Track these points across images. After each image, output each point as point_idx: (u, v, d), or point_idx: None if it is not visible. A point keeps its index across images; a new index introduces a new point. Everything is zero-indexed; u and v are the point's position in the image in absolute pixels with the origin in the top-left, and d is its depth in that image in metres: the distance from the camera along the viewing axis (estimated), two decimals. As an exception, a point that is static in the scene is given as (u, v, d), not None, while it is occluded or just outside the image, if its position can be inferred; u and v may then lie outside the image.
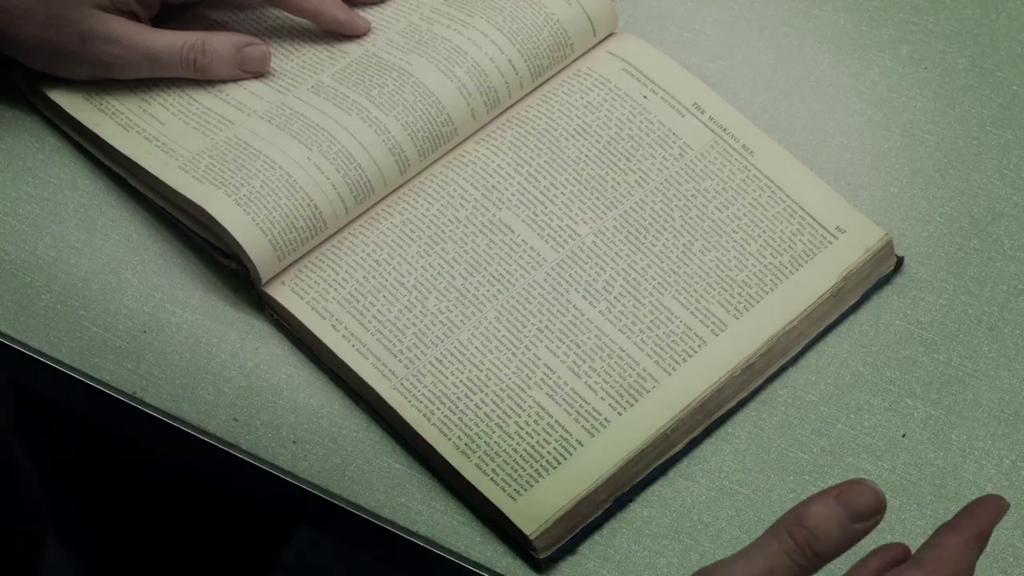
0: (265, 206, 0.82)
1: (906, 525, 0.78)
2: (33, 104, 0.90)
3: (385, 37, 0.89)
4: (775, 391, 0.82)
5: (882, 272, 0.85)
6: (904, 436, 0.81)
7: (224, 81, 0.89)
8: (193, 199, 0.83)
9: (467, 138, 0.87)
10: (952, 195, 0.88)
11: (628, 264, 0.83)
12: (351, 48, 0.89)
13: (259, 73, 0.89)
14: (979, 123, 0.90)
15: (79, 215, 0.87)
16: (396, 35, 0.89)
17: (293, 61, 0.89)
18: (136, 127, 0.87)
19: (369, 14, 0.90)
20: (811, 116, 0.90)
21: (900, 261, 0.85)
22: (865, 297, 0.84)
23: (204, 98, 0.88)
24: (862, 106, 0.91)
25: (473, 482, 0.78)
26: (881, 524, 0.78)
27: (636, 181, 0.86)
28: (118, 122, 0.87)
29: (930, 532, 0.77)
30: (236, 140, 0.85)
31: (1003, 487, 0.79)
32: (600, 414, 0.79)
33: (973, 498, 0.78)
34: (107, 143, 0.87)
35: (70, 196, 0.88)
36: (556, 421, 0.79)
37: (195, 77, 0.88)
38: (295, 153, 0.84)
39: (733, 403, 0.81)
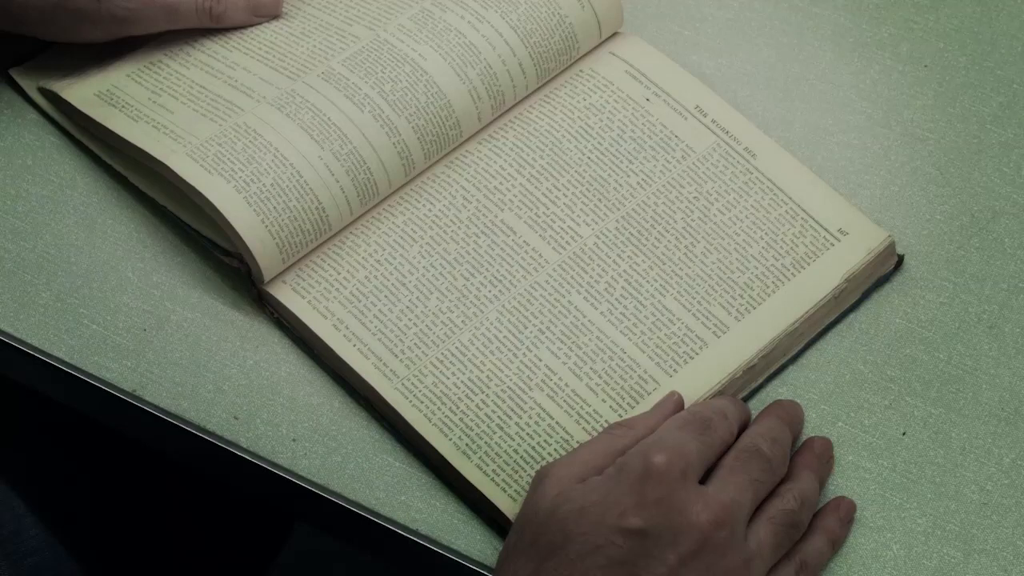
0: (275, 207, 0.81)
1: (906, 524, 0.78)
2: (33, 103, 0.90)
3: (396, 22, 0.87)
4: (775, 389, 0.82)
5: (883, 271, 0.85)
6: (904, 434, 0.81)
7: (238, 28, 0.88)
8: (202, 191, 0.81)
9: (469, 138, 0.87)
10: (952, 193, 0.88)
11: (630, 266, 0.83)
12: (361, 33, 0.87)
13: (272, 16, 0.89)
14: (979, 121, 0.90)
15: (79, 213, 0.87)
16: (408, 20, 0.87)
17: (302, 46, 0.87)
18: (145, 117, 0.86)
19: None
20: (811, 114, 0.90)
21: (900, 260, 0.85)
22: (865, 295, 0.84)
23: (213, 85, 0.87)
24: (862, 104, 0.90)
25: (474, 482, 0.78)
26: (881, 523, 0.78)
27: (638, 183, 0.86)
28: (128, 114, 0.86)
29: (930, 530, 0.78)
30: (245, 127, 0.84)
31: (1003, 486, 0.79)
32: (601, 416, 0.79)
33: (974, 497, 0.78)
34: (112, 138, 0.86)
35: (70, 194, 0.88)
36: (557, 422, 0.79)
37: (210, 25, 0.88)
38: (306, 149, 0.83)
39: (733, 403, 0.82)
